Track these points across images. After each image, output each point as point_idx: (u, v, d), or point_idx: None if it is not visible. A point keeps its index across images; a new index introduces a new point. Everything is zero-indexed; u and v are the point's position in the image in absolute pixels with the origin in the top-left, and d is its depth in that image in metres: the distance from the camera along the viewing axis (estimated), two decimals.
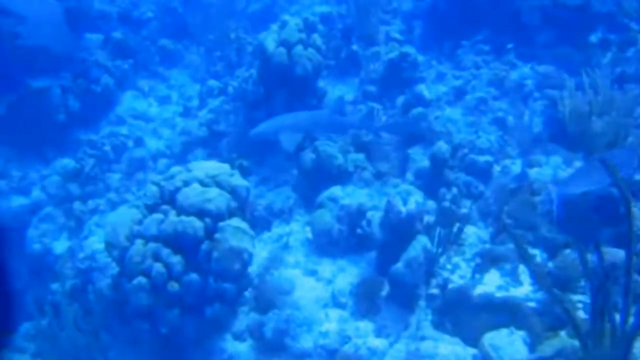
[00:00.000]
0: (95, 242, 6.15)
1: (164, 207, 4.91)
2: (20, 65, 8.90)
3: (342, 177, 6.37)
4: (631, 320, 3.53)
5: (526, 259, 4.42)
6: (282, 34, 6.67)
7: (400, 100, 7.29)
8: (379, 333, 4.84)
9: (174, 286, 4.65)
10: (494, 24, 8.12)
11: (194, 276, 4.69)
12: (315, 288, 5.36)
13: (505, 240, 5.36)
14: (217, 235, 4.73)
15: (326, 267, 5.54)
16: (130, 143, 7.83)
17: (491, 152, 6.31)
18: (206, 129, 7.58)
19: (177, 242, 4.70)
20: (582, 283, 4.65)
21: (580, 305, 4.49)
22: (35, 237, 7.04)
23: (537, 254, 5.13)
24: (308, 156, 6.57)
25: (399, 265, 4.85)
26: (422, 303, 5.01)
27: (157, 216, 4.83)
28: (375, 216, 5.66)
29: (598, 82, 5.87)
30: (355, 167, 6.50)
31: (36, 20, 8.57)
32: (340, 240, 5.63)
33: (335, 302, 5.21)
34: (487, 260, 5.19)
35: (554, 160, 6.17)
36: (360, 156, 6.58)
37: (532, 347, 4.37)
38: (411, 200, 4.99)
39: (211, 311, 4.80)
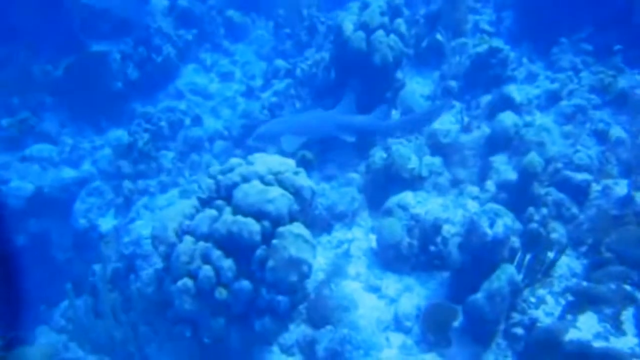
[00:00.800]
0: (142, 227, 5.73)
1: (219, 202, 4.38)
2: (81, 26, 8.57)
3: (414, 181, 5.70)
4: None
5: (632, 304, 3.68)
6: (363, 16, 5.99)
7: (485, 100, 6.50)
8: None
9: (222, 293, 4.13)
10: (599, 21, 7.16)
11: (245, 284, 4.16)
12: (376, 307, 4.76)
13: (604, 278, 4.59)
14: (275, 242, 4.17)
15: (390, 284, 4.92)
16: (187, 120, 7.36)
17: (590, 170, 5.48)
18: (268, 112, 7.01)
19: (229, 244, 4.16)
20: None
21: None
22: (81, 211, 6.71)
23: None
24: (379, 155, 5.93)
25: (479, 296, 4.18)
26: (501, 342, 4.33)
27: (211, 213, 4.31)
28: (451, 231, 4.99)
29: None
30: (430, 171, 5.81)
31: None
32: (410, 256, 4.99)
33: (398, 325, 4.61)
34: (581, 300, 4.44)
35: None
36: (437, 160, 5.89)
37: None
38: (499, 222, 4.27)
39: (260, 325, 4.27)
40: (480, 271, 4.31)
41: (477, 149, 6.10)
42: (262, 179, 4.38)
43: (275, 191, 4.26)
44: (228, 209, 4.28)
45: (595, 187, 5.42)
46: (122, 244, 5.71)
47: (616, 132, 5.91)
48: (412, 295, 4.79)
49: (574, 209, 5.29)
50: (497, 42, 6.74)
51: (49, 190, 7.00)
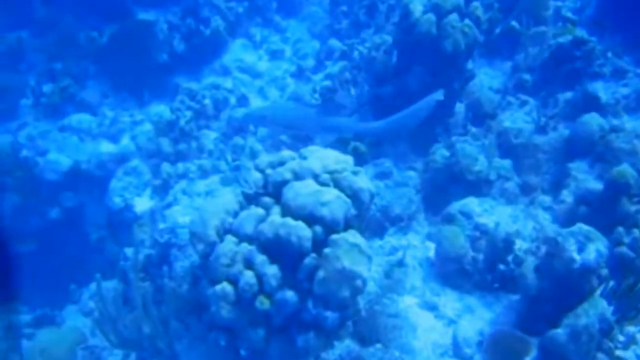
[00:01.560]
0: (178, 214, 5.32)
1: (267, 200, 3.89)
2: None
3: (480, 185, 5.12)
4: None
5: None
6: None
7: (564, 97, 5.81)
8: None
9: (263, 303, 3.66)
10: None
11: (289, 295, 3.67)
12: (433, 328, 4.24)
13: None
14: (326, 251, 3.66)
15: (449, 302, 4.39)
16: (232, 99, 6.89)
17: None
18: (320, 97, 6.47)
19: (276, 249, 3.68)
20: None
21: None
22: (117, 189, 6.36)
23: None
24: (440, 153, 5.36)
25: (561, 331, 3.60)
26: None
27: (256, 211, 3.83)
28: (523, 247, 4.41)
29: None
30: (498, 175, 5.20)
31: None
32: (473, 272, 4.43)
33: (457, 351, 4.08)
34: None
35: None
36: (506, 163, 5.27)
37: None
38: (590, 248, 3.66)
39: (303, 340, 3.79)
40: (561, 301, 3.73)
41: (552, 153, 5.46)
42: (316, 178, 3.86)
43: (331, 193, 3.73)
44: (276, 209, 3.79)
45: None
46: (156, 230, 5.32)
47: None
48: (473, 317, 4.24)
49: None
50: (583, 33, 5.99)
51: (86, 166, 6.67)
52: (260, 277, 3.66)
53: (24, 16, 8.99)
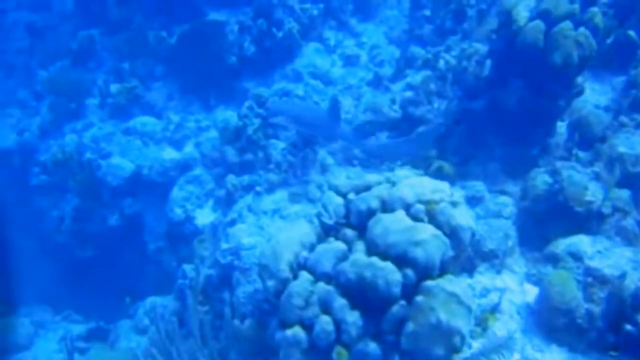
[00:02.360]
0: (243, 233, 4.85)
1: (349, 233, 3.35)
2: None
3: (590, 220, 4.39)
4: None
5: None
6: (544, 1, 4.65)
7: None
8: None
9: (341, 355, 3.13)
10: None
11: (372, 348, 3.12)
12: None
13: None
14: (419, 299, 3.08)
15: None
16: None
17: None
18: (400, 109, 5.89)
19: (358, 293, 3.13)
20: None
21: None
22: (178, 199, 5.99)
23: None
24: (541, 179, 4.65)
25: None
26: None
27: (337, 246, 3.30)
28: None
29: None
30: (614, 208, 4.45)
31: None
32: (588, 329, 3.71)
33: None
34: None
35: None
36: (624, 194, 4.50)
37: None
38: None
39: None
40: None
41: None
42: (408, 209, 3.29)
43: (427, 231, 3.15)
44: (360, 245, 3.24)
45: None
46: (218, 250, 4.89)
47: None
48: None
49: None
50: None
51: (147, 172, 6.36)
52: (338, 324, 3.14)
53: (98, 15, 8.89)
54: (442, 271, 3.20)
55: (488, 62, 5.33)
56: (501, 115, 5.16)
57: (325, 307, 3.17)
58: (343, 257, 3.23)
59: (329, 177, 5.81)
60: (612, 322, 3.61)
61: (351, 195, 3.48)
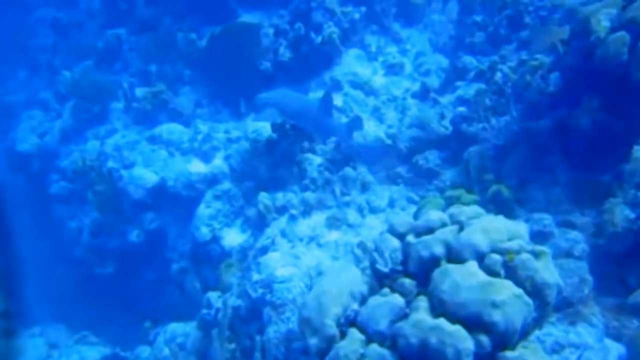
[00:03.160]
0: (276, 263, 4.34)
1: (407, 283, 2.81)
2: None
3: None
4: None
5: None
6: (630, 9, 4.05)
7: None
8: None
9: None
10: None
11: None
12: None
13: None
14: None
15: None
16: (343, 119, 5.87)
17: None
18: (450, 125, 5.34)
19: None
20: None
21: None
22: (205, 216, 5.51)
23: None
24: (621, 212, 4.08)
25: None
26: None
27: (394, 300, 2.76)
28: None
29: None
30: None
31: None
32: None
33: None
34: None
35: None
36: None
37: None
38: None
39: None
40: None
41: None
42: (481, 259, 2.73)
43: (506, 289, 2.58)
44: (423, 301, 2.69)
45: None
46: (248, 280, 4.38)
47: None
48: None
49: None
50: None
51: (172, 184, 5.90)
52: None
53: (126, 13, 8.50)
54: (524, 337, 2.64)
55: (554, 77, 4.76)
56: (569, 136, 4.59)
57: None
58: (401, 314, 2.69)
59: (370, 197, 5.29)
60: None
61: (410, 238, 2.93)
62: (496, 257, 2.71)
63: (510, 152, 4.98)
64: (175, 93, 7.21)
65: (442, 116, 5.58)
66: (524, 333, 2.65)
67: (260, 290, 4.21)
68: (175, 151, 6.35)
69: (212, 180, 5.77)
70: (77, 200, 6.75)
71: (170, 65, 7.40)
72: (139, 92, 7.12)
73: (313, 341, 2.81)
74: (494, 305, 2.53)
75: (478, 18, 6.61)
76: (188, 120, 6.83)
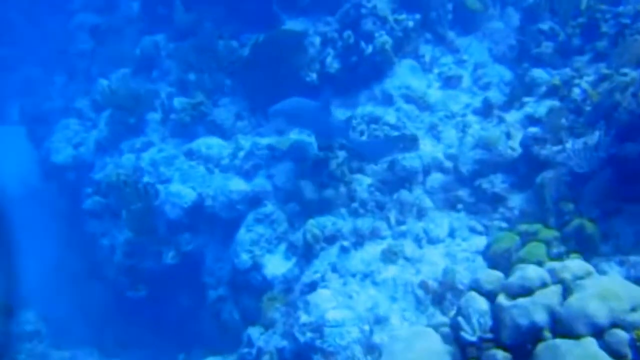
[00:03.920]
0: (327, 303, 3.87)
1: (500, 356, 2.30)
2: None
3: None
4: None
5: None
6: None
7: None
8: None
9: None
10: None
11: None
12: None
13: None
14: None
15: None
16: (393, 135, 5.36)
17: None
18: (520, 147, 4.78)
19: None
20: None
21: None
22: (245, 242, 5.07)
23: None
24: None
25: None
26: None
27: None
28: None
29: None
30: None
31: None
32: None
33: None
34: None
35: None
36: None
37: None
38: None
39: None
40: None
41: None
42: (599, 334, 2.20)
43: None
44: None
45: None
46: (295, 320, 3.92)
47: None
48: None
49: None
50: None
51: (211, 203, 5.48)
52: None
53: (165, 19, 8.17)
54: None
55: None
56: None
57: None
58: None
59: (428, 225, 4.78)
60: None
61: (502, 299, 2.42)
62: (620, 334, 2.17)
63: (590, 179, 4.40)
64: (214, 104, 6.81)
65: (508, 135, 5.02)
66: None
67: (309, 334, 3.74)
68: (214, 167, 5.95)
69: (253, 200, 5.32)
70: (110, 216, 6.41)
71: (210, 74, 7.01)
72: (177, 102, 6.74)
73: None
74: None
75: (545, 26, 6.01)
76: (227, 134, 6.43)
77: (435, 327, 2.58)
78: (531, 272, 2.45)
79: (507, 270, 3.41)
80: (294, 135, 5.99)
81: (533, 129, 4.74)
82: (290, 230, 5.15)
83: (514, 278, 2.47)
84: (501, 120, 5.26)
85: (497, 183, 4.82)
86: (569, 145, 4.55)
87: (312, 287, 4.13)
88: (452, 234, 4.73)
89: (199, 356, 5.07)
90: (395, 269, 4.20)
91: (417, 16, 6.35)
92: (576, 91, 4.80)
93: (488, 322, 2.40)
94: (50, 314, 6.71)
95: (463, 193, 5.01)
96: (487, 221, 4.74)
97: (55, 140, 7.72)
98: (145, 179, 5.97)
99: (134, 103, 7.05)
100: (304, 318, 3.82)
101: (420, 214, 4.89)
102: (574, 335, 2.20)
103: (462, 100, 5.81)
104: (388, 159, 5.21)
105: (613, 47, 5.22)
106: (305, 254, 4.57)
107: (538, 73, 5.41)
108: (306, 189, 5.16)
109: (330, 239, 4.53)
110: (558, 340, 2.20)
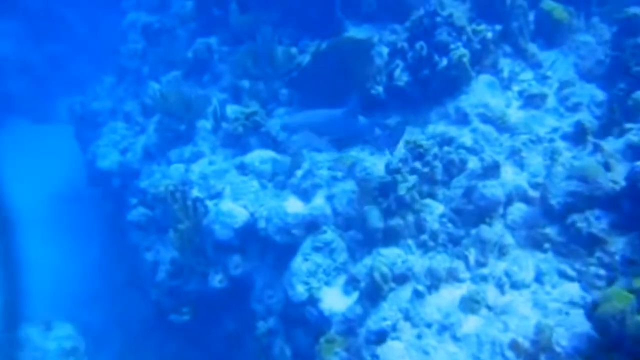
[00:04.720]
0: (400, 357, 3.32)
1: None
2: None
3: None
4: None
5: None
6: None
7: None
8: None
9: None
10: None
11: None
12: None
13: None
14: None
15: None
16: (473, 162, 4.77)
17: None
18: (624, 181, 4.13)
19: None
20: None
21: None
22: (301, 272, 4.58)
23: None
24: None
25: None
26: None
27: None
28: None
29: None
30: None
31: None
32: None
33: None
34: None
35: None
36: None
37: None
38: None
39: None
40: None
41: None
42: None
43: None
44: None
45: None
46: None
47: None
48: None
49: None
50: None
51: (264, 225, 5.02)
52: None
53: (220, 20, 7.80)
54: None
55: None
56: None
57: None
58: None
59: (510, 267, 4.18)
60: None
61: None
62: None
63: None
64: (269, 114, 6.37)
65: (606, 167, 4.38)
66: None
67: None
68: (267, 183, 5.50)
69: (310, 224, 4.83)
70: (155, 229, 6.05)
71: (265, 82, 6.57)
72: (231, 111, 6.33)
73: None
74: None
75: None
76: (282, 147, 5.97)
77: None
78: None
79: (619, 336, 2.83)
80: (355, 152, 5.50)
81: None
82: (351, 261, 4.65)
83: None
84: (597, 148, 4.62)
85: (594, 221, 4.18)
86: None
87: (381, 336, 3.60)
88: (538, 278, 4.12)
89: None
90: (477, 321, 3.63)
91: (498, 27, 5.74)
92: None
93: None
94: (88, 325, 6.39)
95: (551, 231, 4.38)
96: (580, 265, 4.12)
97: (101, 144, 7.46)
98: (194, 192, 5.57)
99: (185, 109, 6.68)
100: None
101: (501, 253, 4.31)
102: None
103: (547, 122, 5.16)
104: (462, 184, 4.64)
105: None
106: (371, 293, 4.03)
107: None
108: (370, 215, 4.63)
109: (400, 279, 3.99)
110: None
